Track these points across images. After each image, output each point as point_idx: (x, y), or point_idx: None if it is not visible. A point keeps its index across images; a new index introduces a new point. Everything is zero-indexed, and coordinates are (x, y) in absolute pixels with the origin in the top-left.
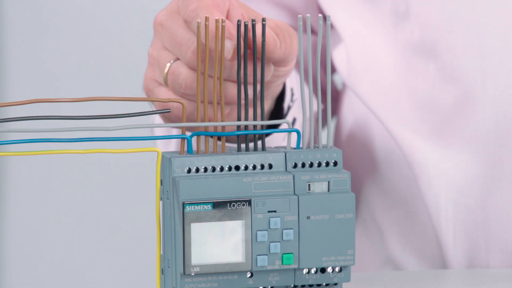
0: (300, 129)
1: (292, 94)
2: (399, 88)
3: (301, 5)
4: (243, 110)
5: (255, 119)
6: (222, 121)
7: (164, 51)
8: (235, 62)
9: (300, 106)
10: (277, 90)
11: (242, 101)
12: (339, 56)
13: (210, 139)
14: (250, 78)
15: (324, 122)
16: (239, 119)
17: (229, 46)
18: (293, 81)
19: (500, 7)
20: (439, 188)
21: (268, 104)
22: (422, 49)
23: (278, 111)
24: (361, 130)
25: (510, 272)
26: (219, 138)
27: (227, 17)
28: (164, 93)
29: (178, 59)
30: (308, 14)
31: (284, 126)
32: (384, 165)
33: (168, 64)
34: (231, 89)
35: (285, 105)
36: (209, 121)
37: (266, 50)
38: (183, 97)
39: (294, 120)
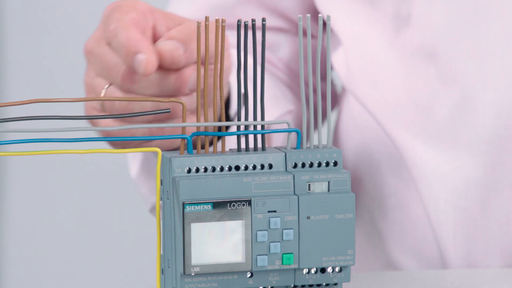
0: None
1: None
2: (399, 92)
3: (297, 11)
4: (243, 110)
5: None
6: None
7: (98, 78)
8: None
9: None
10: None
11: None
12: (338, 59)
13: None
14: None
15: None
16: (239, 119)
17: (140, 59)
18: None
19: (500, 11)
20: (439, 191)
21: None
22: (422, 52)
23: (226, 119)
24: (361, 133)
25: (510, 272)
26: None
27: (153, 33)
28: (106, 121)
29: (111, 84)
30: (308, 14)
31: (284, 126)
32: (383, 168)
33: (103, 91)
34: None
35: (231, 112)
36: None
37: (171, 62)
38: (122, 121)
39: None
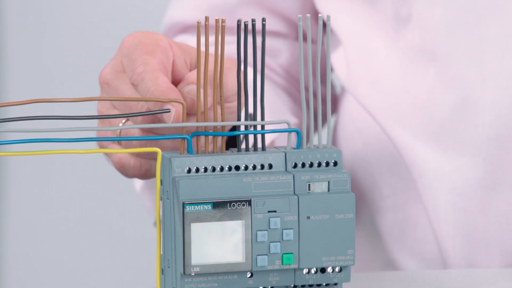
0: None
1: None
2: (399, 92)
3: (297, 12)
4: (243, 110)
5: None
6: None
7: (114, 109)
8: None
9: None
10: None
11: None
12: (338, 59)
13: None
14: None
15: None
16: (239, 119)
17: (171, 110)
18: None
19: (500, 12)
20: (439, 191)
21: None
22: (421, 52)
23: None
24: (360, 133)
25: (510, 272)
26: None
27: (172, 71)
28: (121, 155)
29: (128, 119)
30: (308, 14)
31: (284, 126)
32: (383, 168)
33: (120, 126)
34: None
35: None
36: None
37: (190, 109)
38: (138, 156)
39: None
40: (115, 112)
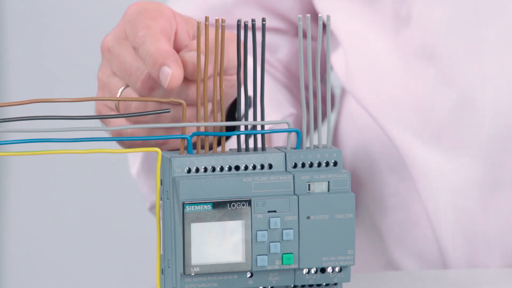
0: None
1: (250, 102)
2: (399, 92)
3: (296, 12)
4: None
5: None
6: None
7: (114, 77)
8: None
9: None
10: (229, 102)
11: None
12: (337, 60)
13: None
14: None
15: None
16: (238, 119)
17: (166, 72)
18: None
19: (499, 12)
20: (439, 191)
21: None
22: (421, 53)
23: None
24: (360, 134)
25: (510, 272)
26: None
27: (174, 39)
28: (118, 121)
29: (128, 85)
30: (308, 14)
31: (284, 126)
32: (383, 169)
33: (120, 91)
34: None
35: (239, 115)
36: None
37: (191, 75)
38: (136, 123)
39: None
40: (115, 79)
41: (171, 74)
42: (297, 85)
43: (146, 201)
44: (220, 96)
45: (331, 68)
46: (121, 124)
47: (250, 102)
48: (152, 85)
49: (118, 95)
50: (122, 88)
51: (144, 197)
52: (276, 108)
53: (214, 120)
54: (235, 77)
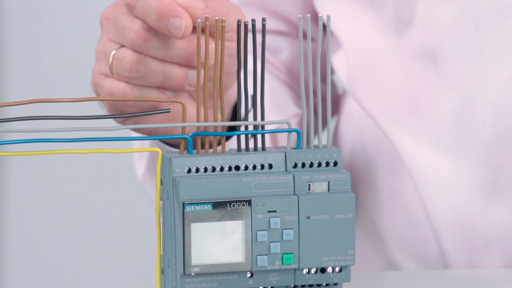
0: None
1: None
2: (399, 93)
3: (297, 13)
4: (242, 109)
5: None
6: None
7: (110, 42)
8: (189, 46)
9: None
10: (232, 86)
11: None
12: (338, 61)
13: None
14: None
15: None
16: (238, 119)
17: (178, 23)
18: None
19: (500, 14)
20: (439, 192)
21: (226, 112)
22: (422, 54)
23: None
24: (361, 134)
25: (510, 272)
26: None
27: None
28: (111, 83)
29: (122, 46)
30: (308, 15)
31: (284, 126)
32: (383, 169)
33: (113, 52)
34: (175, 72)
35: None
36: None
37: (190, 13)
38: (129, 82)
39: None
40: (111, 43)
41: (183, 24)
42: (299, 86)
43: (153, 203)
44: (220, 96)
45: (332, 70)
46: (119, 88)
47: (253, 102)
48: (146, 36)
49: (111, 58)
50: (116, 48)
51: (151, 198)
52: (281, 108)
53: (215, 105)
54: (234, 44)
